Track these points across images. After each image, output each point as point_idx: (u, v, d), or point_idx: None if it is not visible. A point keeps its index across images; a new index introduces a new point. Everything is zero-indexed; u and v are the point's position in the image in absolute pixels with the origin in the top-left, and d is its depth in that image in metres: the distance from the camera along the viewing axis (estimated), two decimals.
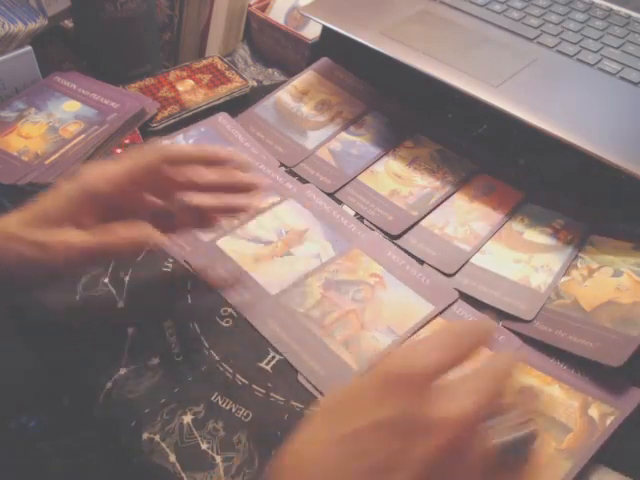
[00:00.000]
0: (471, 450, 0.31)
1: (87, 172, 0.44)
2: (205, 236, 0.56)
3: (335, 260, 0.55)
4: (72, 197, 0.43)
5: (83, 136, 0.61)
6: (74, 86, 0.66)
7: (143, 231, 0.44)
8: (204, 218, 0.51)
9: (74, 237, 0.42)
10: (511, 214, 0.58)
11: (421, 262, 0.55)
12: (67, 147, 0.60)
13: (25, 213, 0.43)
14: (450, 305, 0.52)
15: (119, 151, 0.61)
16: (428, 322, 0.51)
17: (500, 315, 0.51)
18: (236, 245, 0.56)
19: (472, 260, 0.55)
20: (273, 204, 0.60)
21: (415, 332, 0.50)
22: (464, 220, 0.58)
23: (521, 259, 0.55)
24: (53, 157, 0.59)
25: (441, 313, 0.51)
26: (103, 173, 0.44)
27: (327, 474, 0.30)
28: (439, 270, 0.55)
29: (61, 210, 0.43)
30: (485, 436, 0.31)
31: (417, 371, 0.31)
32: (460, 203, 0.60)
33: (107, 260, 0.51)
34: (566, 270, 0.53)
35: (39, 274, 0.43)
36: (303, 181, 0.62)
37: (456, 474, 0.31)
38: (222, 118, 0.68)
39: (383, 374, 0.32)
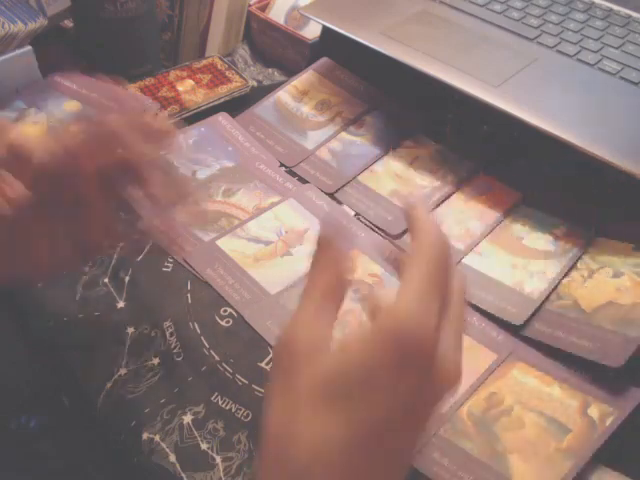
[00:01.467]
0: None
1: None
2: (205, 236, 0.56)
3: None
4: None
5: None
6: (74, 86, 0.66)
7: None
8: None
9: None
10: (508, 214, 0.58)
11: None
12: None
13: None
14: None
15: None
16: None
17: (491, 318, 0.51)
18: (236, 245, 0.56)
19: (469, 262, 0.55)
20: (273, 204, 0.60)
21: None
22: (460, 219, 0.58)
23: (518, 264, 0.54)
24: None
25: None
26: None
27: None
28: None
29: None
30: None
31: (429, 336, 0.29)
32: (457, 202, 0.60)
33: None
34: (564, 275, 0.53)
35: None
36: (303, 181, 0.62)
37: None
38: (222, 118, 0.68)
39: (394, 344, 0.28)
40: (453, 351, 0.30)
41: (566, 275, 0.53)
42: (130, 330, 0.50)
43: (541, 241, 0.56)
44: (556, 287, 0.52)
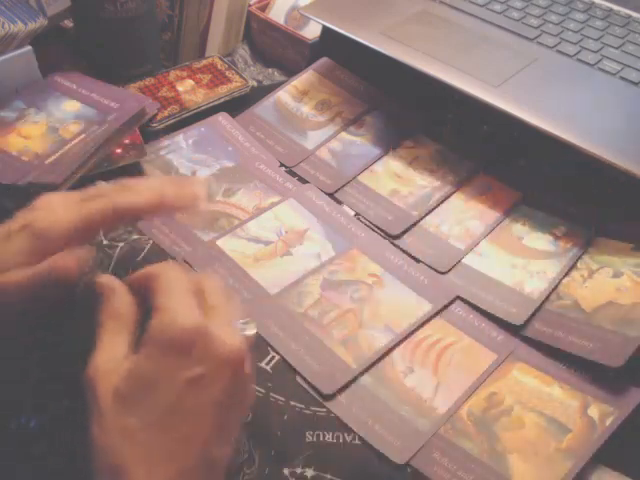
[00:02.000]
0: None
1: (38, 214, 0.38)
2: (205, 236, 0.56)
3: (334, 260, 0.55)
4: (21, 248, 0.37)
5: (83, 136, 0.60)
6: (74, 86, 0.66)
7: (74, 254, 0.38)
8: None
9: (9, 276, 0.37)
10: (508, 214, 0.59)
11: (418, 261, 0.55)
12: (67, 147, 0.60)
13: None
14: (448, 304, 0.52)
15: (119, 151, 0.61)
16: (426, 321, 0.51)
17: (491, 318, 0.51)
18: (236, 245, 0.56)
19: (469, 262, 0.55)
20: (273, 204, 0.60)
21: (413, 331, 0.50)
22: (460, 219, 0.58)
23: (518, 264, 0.54)
24: (53, 157, 0.59)
25: (439, 312, 0.51)
26: (55, 219, 0.38)
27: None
28: (433, 268, 0.55)
29: (6, 262, 0.37)
30: None
31: (193, 322, 0.33)
32: (458, 202, 0.60)
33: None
34: (564, 275, 0.53)
35: None
36: (303, 181, 0.62)
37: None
38: (222, 118, 0.68)
39: (158, 349, 0.33)
40: (227, 327, 0.35)
41: (566, 275, 0.53)
42: None
43: (541, 241, 0.56)
44: (556, 287, 0.52)
